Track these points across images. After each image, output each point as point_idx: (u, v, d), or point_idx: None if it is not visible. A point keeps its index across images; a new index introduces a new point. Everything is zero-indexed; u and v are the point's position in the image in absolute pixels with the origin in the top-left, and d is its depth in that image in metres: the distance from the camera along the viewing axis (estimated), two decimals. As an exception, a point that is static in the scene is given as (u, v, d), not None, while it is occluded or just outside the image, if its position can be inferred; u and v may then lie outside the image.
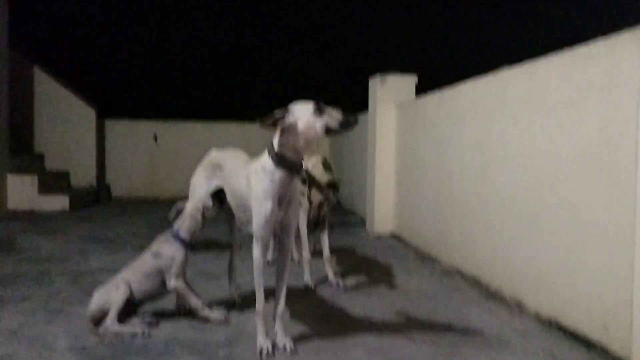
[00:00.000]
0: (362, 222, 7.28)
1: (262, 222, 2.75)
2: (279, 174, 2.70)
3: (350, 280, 4.29)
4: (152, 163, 10.63)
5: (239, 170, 3.02)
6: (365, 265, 4.91)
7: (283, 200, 2.76)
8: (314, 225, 4.13)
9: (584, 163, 3.01)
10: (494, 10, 12.37)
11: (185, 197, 3.42)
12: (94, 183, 9.90)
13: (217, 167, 3.31)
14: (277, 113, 2.63)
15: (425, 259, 5.25)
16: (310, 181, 2.89)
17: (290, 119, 2.63)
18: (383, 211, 6.63)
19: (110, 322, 2.97)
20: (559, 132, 3.25)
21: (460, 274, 4.55)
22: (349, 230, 6.84)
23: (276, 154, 2.69)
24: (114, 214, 8.17)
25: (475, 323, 3.35)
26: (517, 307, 3.64)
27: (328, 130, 2.63)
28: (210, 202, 3.27)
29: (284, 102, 2.73)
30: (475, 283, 4.26)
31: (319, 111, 2.61)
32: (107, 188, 10.21)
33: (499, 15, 12.26)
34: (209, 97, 12.77)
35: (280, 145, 2.69)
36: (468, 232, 4.48)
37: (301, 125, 2.62)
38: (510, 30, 11.91)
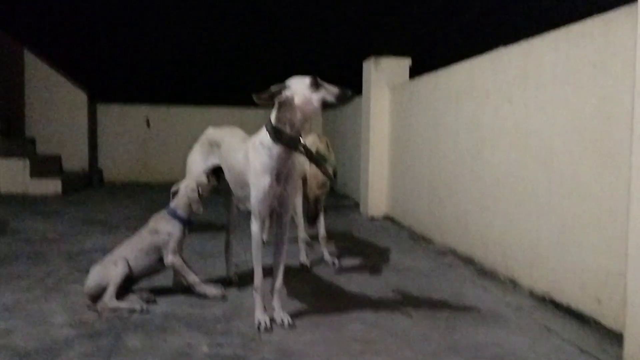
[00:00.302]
0: (356, 205, 7.31)
1: (260, 196, 2.76)
2: (276, 149, 2.71)
3: (345, 261, 4.31)
4: (144, 147, 10.59)
5: (237, 147, 3.02)
6: (359, 245, 4.95)
7: (281, 175, 2.77)
8: (313, 218, 3.98)
9: (578, 138, 3.04)
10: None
11: (177, 181, 3.40)
12: (86, 167, 9.86)
13: (214, 145, 3.31)
14: (274, 88, 2.64)
15: (419, 239, 5.29)
16: (308, 156, 2.87)
17: (287, 93, 2.64)
18: (377, 193, 6.66)
19: (109, 298, 2.97)
20: (553, 108, 3.27)
21: (454, 253, 4.59)
22: (343, 213, 6.86)
23: (274, 128, 2.70)
24: (106, 197, 8.15)
25: (470, 299, 3.39)
26: (510, 284, 3.68)
27: (325, 104, 2.65)
28: (205, 179, 3.27)
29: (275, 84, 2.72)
30: (469, 261, 4.31)
31: (315, 85, 2.62)
32: (100, 172, 10.17)
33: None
34: (201, 82, 12.71)
35: (278, 120, 2.70)
36: (462, 212, 4.51)
37: (298, 99, 2.63)
38: (504, 10, 11.90)
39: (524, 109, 3.60)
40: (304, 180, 3.94)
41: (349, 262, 4.29)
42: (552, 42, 3.32)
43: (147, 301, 3.11)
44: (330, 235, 4.71)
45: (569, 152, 3.12)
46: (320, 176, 3.82)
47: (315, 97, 2.62)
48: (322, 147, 3.98)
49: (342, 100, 2.66)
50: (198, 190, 3.24)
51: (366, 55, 6.76)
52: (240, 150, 2.96)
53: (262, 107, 2.84)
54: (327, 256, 4.22)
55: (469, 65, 4.47)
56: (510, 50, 3.80)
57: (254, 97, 2.64)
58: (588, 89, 2.98)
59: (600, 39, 2.90)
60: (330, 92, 2.63)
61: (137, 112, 10.59)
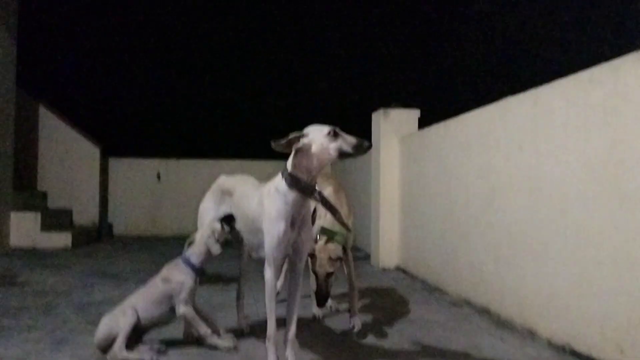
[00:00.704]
0: (367, 257, 7.24)
1: (274, 243, 2.74)
2: (292, 195, 2.71)
3: (358, 313, 4.23)
4: (154, 201, 10.63)
5: (250, 194, 3.03)
6: (372, 297, 4.87)
7: (296, 221, 2.77)
8: (324, 298, 3.47)
9: (591, 183, 3.03)
10: (494, 42, 12.59)
11: (186, 235, 3.40)
12: (97, 221, 9.88)
13: (226, 193, 3.32)
14: (293, 135, 2.67)
15: (432, 290, 5.20)
16: (323, 203, 2.86)
17: (304, 140, 2.66)
18: (388, 244, 6.61)
19: (118, 348, 2.92)
20: (565, 154, 3.28)
21: (468, 304, 4.50)
22: (354, 265, 6.78)
23: (290, 175, 2.71)
24: (116, 250, 8.13)
25: (487, 350, 3.30)
26: (528, 335, 3.60)
27: (342, 154, 2.65)
28: (218, 226, 3.27)
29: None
30: (484, 312, 4.22)
31: (333, 134, 2.64)
32: (109, 226, 10.18)
33: (499, 46, 12.46)
34: (212, 135, 12.88)
35: (294, 166, 2.72)
36: (475, 262, 4.46)
37: (315, 147, 2.65)
38: (512, 60, 12.10)
39: (535, 156, 3.61)
40: (312, 255, 3.47)
41: (362, 313, 4.20)
42: (561, 89, 3.36)
43: (158, 351, 3.06)
44: (341, 286, 4.63)
45: (583, 197, 3.10)
46: (332, 250, 3.46)
47: (333, 146, 2.63)
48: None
49: (359, 151, 2.64)
50: (215, 236, 3.23)
51: (375, 107, 6.85)
52: (254, 197, 2.96)
53: (273, 158, 2.86)
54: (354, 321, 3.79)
55: (478, 114, 4.51)
56: (519, 98, 3.85)
57: (272, 144, 2.65)
58: (599, 134, 2.99)
59: (609, 85, 2.93)
60: (347, 142, 2.63)
61: (148, 166, 10.68)
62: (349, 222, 3.66)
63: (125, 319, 2.99)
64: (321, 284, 3.40)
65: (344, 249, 3.60)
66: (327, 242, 3.48)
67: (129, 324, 2.98)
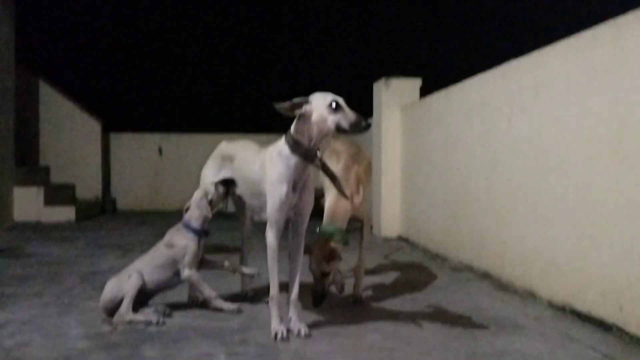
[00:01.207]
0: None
1: (276, 205, 2.76)
2: (294, 159, 2.72)
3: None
4: (156, 176, 10.65)
5: (252, 158, 3.05)
6: (373, 264, 4.90)
7: (297, 185, 2.79)
8: (321, 297, 3.10)
9: (593, 144, 3.03)
10: (494, 5, 12.43)
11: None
12: (99, 195, 9.91)
13: (227, 159, 3.33)
14: (297, 100, 2.68)
15: (434, 257, 5.25)
16: (324, 170, 2.86)
17: (307, 107, 2.67)
18: (389, 214, 6.64)
19: (125, 310, 2.97)
20: (567, 116, 3.28)
21: (470, 269, 4.54)
22: (356, 236, 6.82)
23: (292, 139, 2.72)
24: (119, 224, 8.17)
25: (488, 311, 3.34)
26: (529, 296, 3.64)
27: (339, 129, 2.64)
28: (212, 188, 3.27)
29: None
30: (485, 276, 4.26)
31: (334, 107, 2.62)
32: (113, 201, 10.22)
33: (499, 10, 12.31)
34: (213, 110, 12.84)
35: (296, 131, 2.72)
36: (477, 227, 4.48)
37: (315, 116, 2.65)
38: (513, 23, 11.96)
39: (537, 119, 3.61)
40: (310, 252, 3.15)
41: (365, 279, 4.24)
42: (562, 50, 3.35)
43: (163, 314, 3.10)
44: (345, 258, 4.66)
45: (584, 158, 3.11)
46: (329, 249, 3.10)
47: (331, 119, 2.62)
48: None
49: (356, 129, 2.61)
50: (208, 199, 3.24)
51: (376, 77, 6.82)
52: (256, 161, 2.98)
53: (274, 132, 2.84)
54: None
55: (480, 80, 4.49)
56: (520, 62, 3.83)
57: (275, 105, 2.66)
58: (601, 94, 2.98)
59: (611, 44, 2.91)
60: (347, 118, 2.61)
61: (149, 141, 10.68)
62: (361, 204, 3.42)
63: (130, 282, 3.03)
64: (317, 283, 3.08)
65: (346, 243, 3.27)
66: (325, 242, 3.14)
67: (134, 287, 3.02)
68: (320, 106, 2.64)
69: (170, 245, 3.20)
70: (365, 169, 3.58)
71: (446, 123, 5.21)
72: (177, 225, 3.30)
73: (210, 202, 3.22)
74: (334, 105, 2.62)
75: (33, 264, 4.81)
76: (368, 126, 2.63)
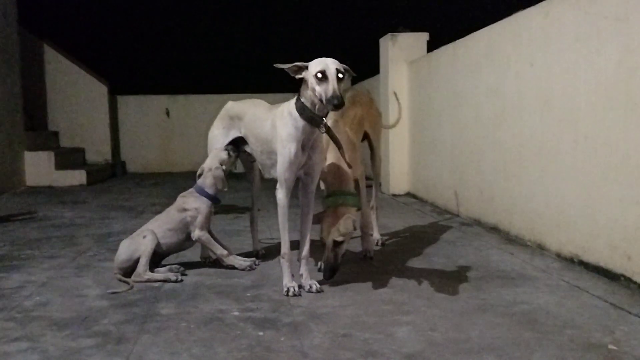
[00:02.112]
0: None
1: (286, 164, 2.78)
2: (301, 122, 2.73)
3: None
4: (165, 138, 10.68)
5: (263, 116, 3.04)
6: (382, 219, 4.94)
7: (307, 144, 2.80)
8: (332, 270, 2.95)
9: (602, 94, 3.00)
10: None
11: (200, 166, 3.40)
12: (109, 159, 9.98)
13: (235, 118, 3.33)
14: (299, 64, 2.68)
15: (442, 212, 5.28)
16: (330, 135, 2.83)
17: (304, 73, 2.67)
18: (398, 171, 6.65)
19: (142, 269, 3.03)
20: (576, 67, 3.23)
21: (478, 224, 4.57)
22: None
23: (300, 102, 2.72)
24: (130, 186, 8.25)
25: (496, 263, 3.38)
26: (537, 249, 3.67)
27: (320, 99, 2.61)
28: (225, 155, 3.29)
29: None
30: (494, 230, 4.29)
31: (320, 77, 2.58)
32: (123, 164, 10.29)
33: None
34: (219, 70, 12.74)
35: (302, 95, 2.72)
36: (486, 182, 4.49)
37: (309, 81, 2.65)
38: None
39: (546, 71, 3.56)
40: (320, 220, 3.01)
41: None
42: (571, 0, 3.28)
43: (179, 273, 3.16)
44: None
45: (593, 109, 3.08)
46: (342, 216, 2.90)
47: (318, 88, 2.60)
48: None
49: (329, 103, 2.54)
50: (222, 167, 3.27)
51: (382, 32, 6.72)
52: (267, 119, 2.98)
53: (280, 92, 2.83)
54: (376, 234, 3.97)
55: (487, 33, 4.43)
56: (529, 13, 3.76)
57: (277, 66, 2.68)
58: (611, 43, 2.93)
59: (622, -9, 2.85)
60: (326, 91, 2.56)
61: (157, 103, 10.67)
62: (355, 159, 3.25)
63: (146, 241, 3.09)
64: (329, 254, 2.93)
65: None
66: (337, 207, 2.97)
67: (150, 246, 3.07)
68: (311, 74, 2.63)
69: (182, 210, 3.23)
70: (370, 117, 3.69)
71: (454, 78, 5.16)
72: (189, 190, 3.33)
73: (224, 171, 3.25)
74: (319, 75, 2.59)
75: (47, 227, 4.89)
76: (341, 104, 2.54)
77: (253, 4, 13.46)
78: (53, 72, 9.71)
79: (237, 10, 13.49)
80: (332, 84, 2.57)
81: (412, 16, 10.57)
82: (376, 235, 3.97)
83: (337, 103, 2.54)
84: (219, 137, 3.40)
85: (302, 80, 2.72)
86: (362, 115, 3.64)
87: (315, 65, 2.63)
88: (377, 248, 3.84)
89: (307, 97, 2.71)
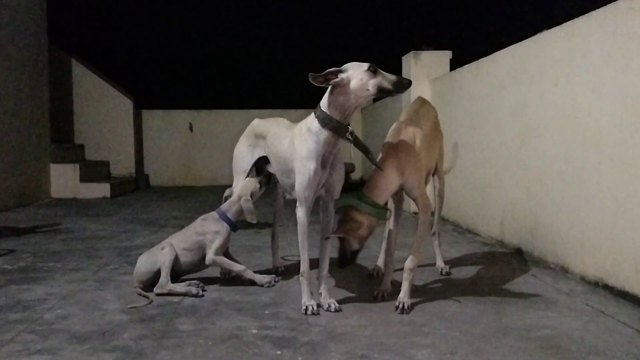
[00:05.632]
0: (399, 201, 7.26)
1: (305, 182, 2.77)
2: (324, 134, 2.72)
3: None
4: (188, 152, 10.80)
5: (283, 135, 3.05)
6: (402, 240, 4.90)
7: (327, 162, 2.79)
8: (350, 259, 2.99)
9: (627, 116, 2.95)
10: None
11: (220, 185, 3.44)
12: (133, 172, 10.11)
13: (259, 137, 3.33)
14: (331, 69, 2.66)
15: (463, 232, 5.22)
16: (355, 143, 2.83)
17: (342, 75, 2.66)
18: (420, 189, 6.59)
19: (165, 280, 3.05)
20: (601, 88, 3.19)
21: (501, 244, 4.51)
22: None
23: (323, 113, 2.72)
24: (153, 200, 8.34)
25: (519, 286, 3.33)
26: (561, 271, 3.60)
27: (381, 90, 2.65)
28: (257, 187, 3.30)
29: (318, 87, 2.69)
30: (516, 251, 4.23)
31: (373, 70, 2.63)
32: (146, 177, 10.41)
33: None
34: (242, 86, 12.88)
35: (329, 104, 2.72)
36: (508, 202, 4.44)
37: (354, 82, 2.64)
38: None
39: (571, 91, 3.52)
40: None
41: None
42: (598, 20, 3.25)
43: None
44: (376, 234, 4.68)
45: (618, 131, 3.04)
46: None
47: (372, 82, 2.64)
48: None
49: (399, 87, 2.65)
50: (252, 198, 3.27)
51: (405, 49, 6.73)
52: (286, 137, 2.98)
53: (303, 107, 2.84)
54: (439, 263, 3.71)
55: (511, 52, 4.40)
56: (553, 33, 3.73)
57: (310, 77, 2.62)
58: (637, 64, 2.89)
59: (649, 12, 2.82)
60: (387, 79, 2.64)
61: (180, 118, 10.81)
62: (412, 176, 3.11)
63: (164, 252, 3.11)
64: (346, 245, 2.93)
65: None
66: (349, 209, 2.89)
67: (169, 257, 3.09)
68: (358, 72, 2.65)
69: (201, 234, 3.24)
70: (427, 131, 3.20)
71: (477, 96, 5.13)
72: (211, 213, 3.34)
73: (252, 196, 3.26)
74: (372, 68, 2.64)
75: (70, 239, 4.95)
76: (409, 83, 2.66)
77: (278, 22, 13.61)
78: (80, 86, 9.92)
79: (261, 27, 13.65)
80: (385, 73, 2.64)
81: (436, 35, 10.58)
82: (439, 263, 3.69)
83: (407, 82, 2.64)
84: (244, 155, 3.41)
85: (325, 89, 2.72)
86: (435, 124, 3.40)
87: (358, 64, 2.66)
88: (442, 277, 3.60)
89: (336, 103, 2.69)
